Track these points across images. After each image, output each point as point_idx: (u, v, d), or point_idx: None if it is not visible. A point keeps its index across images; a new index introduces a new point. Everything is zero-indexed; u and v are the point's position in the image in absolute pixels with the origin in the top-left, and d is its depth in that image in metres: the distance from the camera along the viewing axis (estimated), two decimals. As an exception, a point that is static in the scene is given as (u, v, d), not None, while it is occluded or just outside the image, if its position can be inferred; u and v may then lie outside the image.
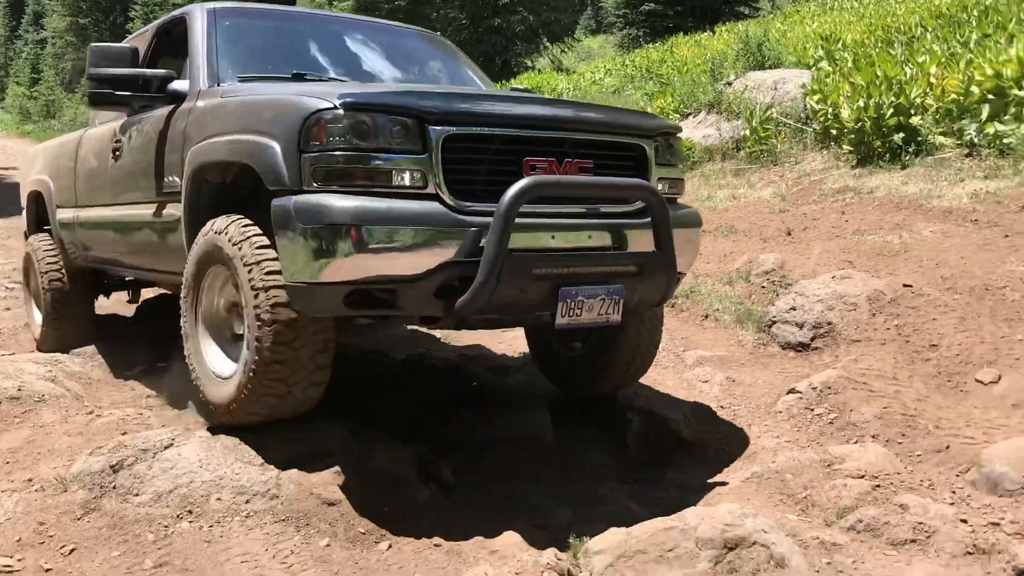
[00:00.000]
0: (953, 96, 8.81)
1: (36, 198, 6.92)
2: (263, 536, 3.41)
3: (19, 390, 4.86)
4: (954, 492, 3.79)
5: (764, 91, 11.71)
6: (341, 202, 3.37)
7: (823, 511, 3.69)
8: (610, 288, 3.78)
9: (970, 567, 3.26)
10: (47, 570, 3.22)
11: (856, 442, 4.32)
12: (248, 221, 3.82)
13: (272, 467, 3.72)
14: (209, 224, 4.01)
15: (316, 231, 3.38)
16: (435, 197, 3.47)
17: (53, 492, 3.64)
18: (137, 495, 3.62)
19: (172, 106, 4.62)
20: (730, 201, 9.61)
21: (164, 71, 4.76)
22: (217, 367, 4.04)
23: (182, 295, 4.19)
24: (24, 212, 7.23)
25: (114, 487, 3.65)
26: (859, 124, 9.16)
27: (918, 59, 10.14)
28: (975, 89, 8.56)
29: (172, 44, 5.36)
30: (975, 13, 12.29)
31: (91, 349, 6.08)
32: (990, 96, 8.42)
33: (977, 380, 4.76)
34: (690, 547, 3.15)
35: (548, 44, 33.62)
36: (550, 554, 3.18)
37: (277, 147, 3.56)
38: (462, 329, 4.28)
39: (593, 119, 4.05)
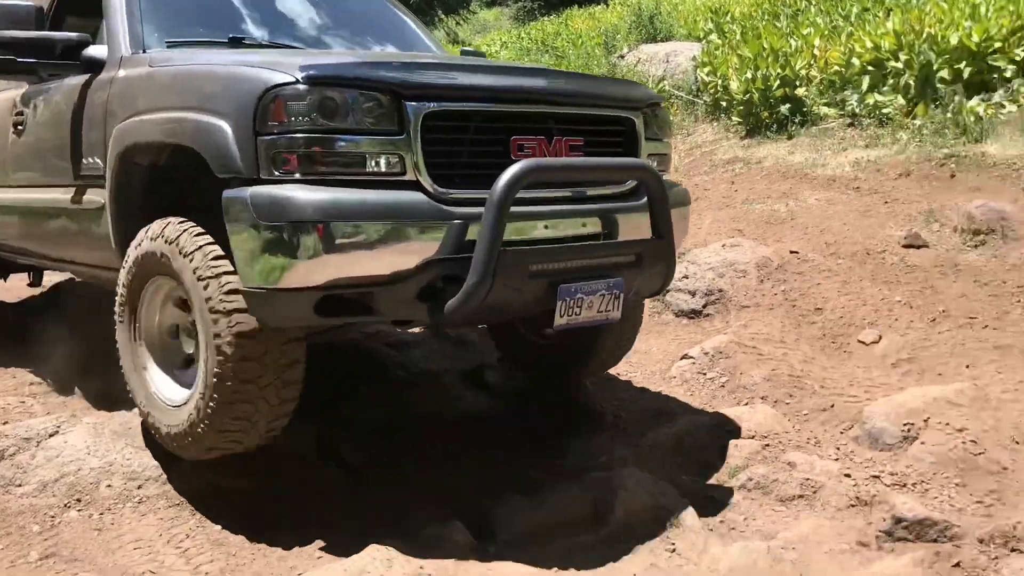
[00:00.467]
0: (836, 68, 9.12)
1: None
2: (157, 521, 3.34)
3: None
4: (838, 449, 3.96)
5: (657, 64, 11.88)
6: (307, 194, 2.93)
7: (716, 471, 3.81)
8: (610, 282, 3.42)
9: (853, 519, 3.42)
10: (-76, 568, 3.08)
11: (747, 404, 4.47)
12: (199, 229, 3.29)
13: (165, 451, 3.63)
14: (147, 231, 3.48)
15: (278, 229, 2.93)
16: (414, 184, 3.06)
17: (-72, 487, 3.48)
18: (20, 485, 3.49)
19: (88, 76, 4.07)
20: (625, 173, 9.74)
21: (78, 35, 4.12)
22: (164, 392, 3.54)
23: (116, 307, 3.67)
24: None
25: (-5, 479, 3.51)
26: (747, 96, 9.39)
27: (803, 32, 10.44)
28: (856, 61, 8.88)
29: (80, 1, 4.68)
30: (855, -13, 12.70)
31: (-33, 336, 5.80)
32: (870, 68, 8.75)
33: (859, 341, 4.98)
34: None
35: (443, 16, 33.32)
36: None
37: (227, 128, 3.07)
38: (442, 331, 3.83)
39: (583, 91, 3.70)
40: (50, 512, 3.36)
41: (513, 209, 3.06)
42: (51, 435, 3.71)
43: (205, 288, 3.16)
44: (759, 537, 3.35)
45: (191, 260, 3.21)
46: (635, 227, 3.58)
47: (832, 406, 4.33)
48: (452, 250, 3.06)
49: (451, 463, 4.05)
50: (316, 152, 2.95)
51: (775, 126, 9.20)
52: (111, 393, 4.27)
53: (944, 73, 8.06)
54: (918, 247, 5.81)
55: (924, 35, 8.38)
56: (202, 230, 3.27)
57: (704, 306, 5.77)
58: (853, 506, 3.50)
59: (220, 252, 3.18)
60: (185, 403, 3.35)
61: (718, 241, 6.33)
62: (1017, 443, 3.79)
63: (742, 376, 4.70)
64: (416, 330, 6.18)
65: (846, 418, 4.22)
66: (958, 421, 3.83)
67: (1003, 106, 7.70)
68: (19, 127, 4.69)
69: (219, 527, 3.34)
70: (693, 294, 5.83)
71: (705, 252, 6.10)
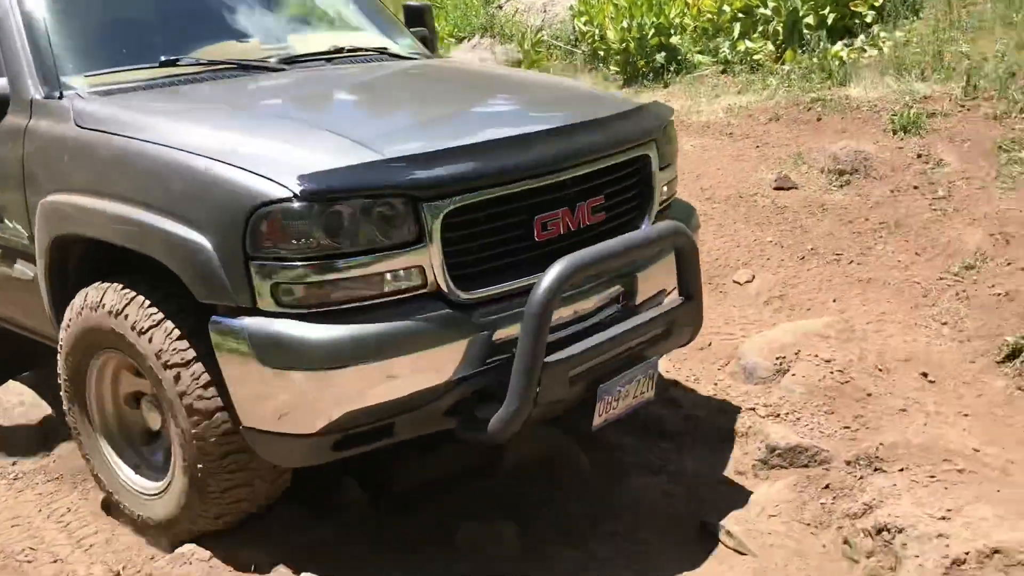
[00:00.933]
0: (708, 16, 9.31)
1: None
2: (35, 497, 3.27)
3: None
4: (716, 385, 4.13)
5: (534, 14, 11.88)
6: (316, 333, 2.52)
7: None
8: (646, 365, 3.09)
9: (731, 450, 3.60)
10: None
11: (630, 347, 4.60)
12: (149, 302, 2.79)
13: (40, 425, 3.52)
14: (83, 299, 2.95)
15: (287, 375, 2.54)
16: (434, 295, 2.67)
17: None
18: None
19: None
20: (507, 124, 9.75)
21: None
22: (136, 482, 3.11)
23: (61, 387, 3.17)
24: None
25: None
26: (624, 45, 9.49)
27: (676, -20, 10.59)
28: (727, 8, 9.07)
29: None
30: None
31: None
32: (740, 15, 8.96)
33: (735, 281, 5.17)
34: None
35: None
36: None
37: (207, 246, 2.57)
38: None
39: (603, 139, 3.11)
40: (-81, 495, 3.23)
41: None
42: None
43: (176, 380, 2.71)
44: (647, 473, 3.50)
45: (150, 340, 2.75)
46: (654, 282, 3.25)
47: (710, 344, 4.50)
48: (479, 363, 2.72)
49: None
50: (323, 279, 2.53)
51: (652, 75, 9.34)
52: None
53: (810, 19, 8.33)
54: (788, 189, 6.03)
55: (790, -19, 8.63)
56: (152, 306, 2.79)
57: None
58: (730, 439, 3.67)
59: (180, 332, 2.73)
60: (163, 492, 2.97)
61: (599, 189, 6.43)
62: (880, 370, 4.03)
63: (625, 320, 4.82)
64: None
65: (723, 355, 4.40)
66: (826, 353, 4.05)
67: (864, 50, 8.02)
68: None
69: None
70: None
71: (587, 200, 6.19)
